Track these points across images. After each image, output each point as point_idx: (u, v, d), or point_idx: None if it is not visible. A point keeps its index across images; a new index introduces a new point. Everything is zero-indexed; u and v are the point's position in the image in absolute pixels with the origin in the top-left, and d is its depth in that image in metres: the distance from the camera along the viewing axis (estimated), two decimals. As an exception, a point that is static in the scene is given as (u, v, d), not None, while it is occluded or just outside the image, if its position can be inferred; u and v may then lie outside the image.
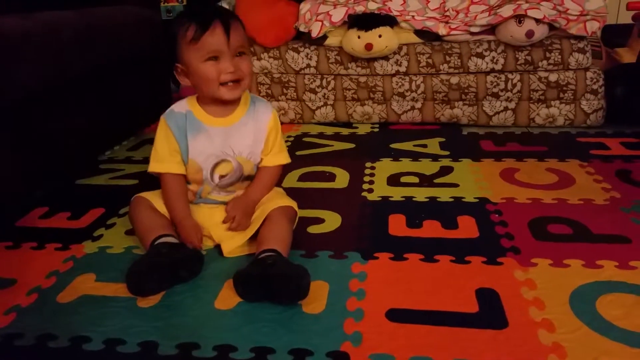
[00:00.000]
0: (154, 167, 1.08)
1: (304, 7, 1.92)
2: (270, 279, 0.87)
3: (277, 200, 1.09)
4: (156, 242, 0.98)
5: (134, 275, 0.92)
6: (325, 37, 1.84)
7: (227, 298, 0.91)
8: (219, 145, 1.06)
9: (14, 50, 1.18)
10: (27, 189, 1.33)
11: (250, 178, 1.12)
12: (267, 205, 1.07)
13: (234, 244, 1.05)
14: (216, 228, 1.07)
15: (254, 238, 1.05)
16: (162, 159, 1.07)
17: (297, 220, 1.11)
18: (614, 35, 2.07)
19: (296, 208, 1.10)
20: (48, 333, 0.84)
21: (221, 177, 1.08)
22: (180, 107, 1.08)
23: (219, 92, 1.01)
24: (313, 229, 1.14)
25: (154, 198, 1.09)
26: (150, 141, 1.78)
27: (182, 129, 1.05)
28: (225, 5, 2.03)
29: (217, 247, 1.08)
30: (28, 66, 1.21)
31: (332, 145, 1.72)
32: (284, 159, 1.13)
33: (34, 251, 1.10)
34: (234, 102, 1.07)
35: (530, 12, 1.66)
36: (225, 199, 1.11)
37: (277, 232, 1.00)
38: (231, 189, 1.11)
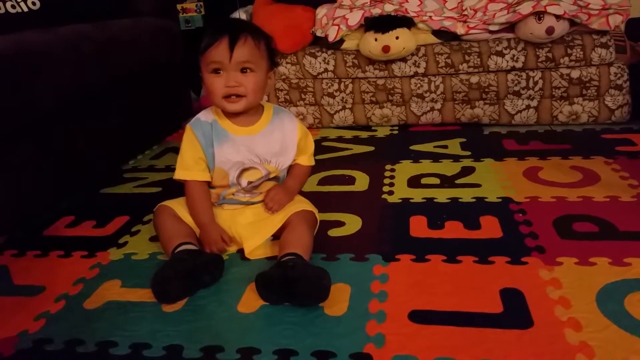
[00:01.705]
0: (179, 174, 1.09)
1: (320, 12, 1.93)
2: (291, 281, 0.88)
3: (300, 204, 1.10)
4: (177, 250, 1.00)
5: (158, 283, 0.93)
6: (342, 40, 1.84)
7: (249, 301, 0.92)
8: (245, 153, 1.07)
9: (36, 65, 1.21)
10: (53, 200, 1.36)
11: (275, 178, 1.14)
12: (290, 208, 1.08)
13: (255, 242, 1.06)
14: (238, 227, 1.09)
15: (275, 239, 1.08)
16: (188, 166, 1.08)
17: (317, 228, 1.11)
18: (638, 28, 2.02)
19: (317, 215, 1.11)
20: (76, 338, 0.86)
21: (249, 182, 1.09)
22: (206, 116, 1.10)
23: (222, 104, 1.04)
24: (334, 232, 1.15)
25: (177, 206, 1.10)
26: (173, 149, 1.82)
27: (209, 138, 1.07)
28: (242, 14, 2.05)
29: (239, 252, 1.09)
30: (51, 80, 1.24)
31: (352, 149, 1.72)
32: (313, 161, 1.20)
33: (61, 259, 1.13)
34: (253, 112, 1.09)
35: (549, 9, 1.63)
36: (248, 200, 1.13)
37: (299, 237, 1.01)
38: (256, 191, 1.12)
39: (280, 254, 0.98)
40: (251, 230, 1.08)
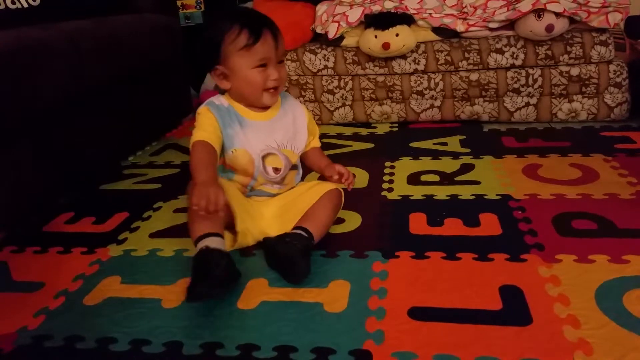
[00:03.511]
0: (196, 136, 1.01)
1: (320, 9, 1.92)
2: (278, 255, 0.98)
3: (328, 184, 1.11)
4: (201, 244, 0.93)
5: (195, 299, 0.89)
6: (342, 37, 1.84)
7: (249, 298, 0.92)
8: (264, 138, 1.07)
9: (36, 61, 1.20)
10: (53, 196, 1.36)
11: (295, 167, 1.15)
12: (320, 187, 1.10)
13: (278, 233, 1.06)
14: (263, 221, 1.08)
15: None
16: (205, 131, 1.02)
17: (340, 207, 1.13)
18: (637, 26, 2.02)
19: (342, 196, 1.13)
20: (76, 334, 0.86)
21: (275, 169, 1.09)
22: (220, 101, 1.08)
23: (262, 98, 1.05)
24: (334, 229, 1.14)
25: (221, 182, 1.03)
26: (172, 146, 1.83)
27: (226, 120, 1.05)
28: (242, 9, 2.05)
29: (238, 249, 1.09)
30: (50, 76, 1.24)
31: (351, 146, 1.72)
32: (319, 143, 1.21)
33: (60, 255, 1.13)
34: None
35: (549, 6, 1.63)
36: (276, 192, 1.13)
37: (317, 212, 1.05)
38: (282, 182, 1.13)
39: (297, 224, 1.04)
40: (276, 226, 1.07)
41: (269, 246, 1.02)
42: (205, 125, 1.04)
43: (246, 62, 1.02)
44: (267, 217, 1.09)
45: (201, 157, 0.99)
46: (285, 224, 1.07)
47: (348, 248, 1.06)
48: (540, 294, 0.87)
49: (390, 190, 1.34)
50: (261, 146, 1.07)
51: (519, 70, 1.76)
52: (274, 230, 1.07)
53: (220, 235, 0.96)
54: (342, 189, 1.14)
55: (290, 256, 0.95)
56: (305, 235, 1.01)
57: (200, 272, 0.88)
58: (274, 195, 1.13)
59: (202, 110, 1.06)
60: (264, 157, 1.08)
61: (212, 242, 0.93)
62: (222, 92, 1.11)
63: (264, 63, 1.02)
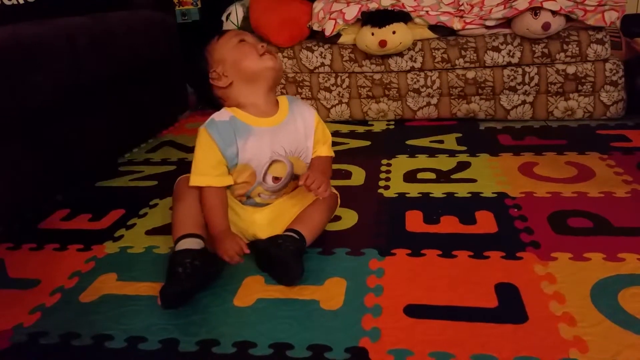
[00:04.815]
0: (195, 180, 1.00)
1: (317, 6, 1.92)
2: (270, 258, 0.96)
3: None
4: (179, 245, 0.95)
5: (166, 302, 0.91)
6: (338, 35, 1.84)
7: (245, 296, 0.92)
8: (269, 145, 1.02)
9: (32, 58, 1.20)
10: (49, 192, 1.35)
11: (298, 177, 1.10)
12: (307, 197, 1.08)
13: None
14: (255, 228, 1.06)
15: None
16: (204, 172, 1.00)
17: (335, 211, 1.13)
18: (633, 24, 2.02)
19: (338, 199, 1.13)
20: (72, 331, 0.86)
21: (275, 179, 1.05)
22: (221, 115, 1.02)
23: (263, 62, 1.02)
24: (330, 227, 1.14)
25: None
26: (168, 143, 1.82)
27: (227, 136, 0.99)
28: (239, 7, 2.04)
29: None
30: (46, 73, 1.23)
31: (348, 143, 1.72)
32: (332, 152, 1.15)
33: (56, 252, 1.13)
34: (271, 103, 1.06)
35: (546, 4, 1.63)
36: (271, 202, 1.09)
37: (310, 215, 1.05)
38: (280, 192, 1.10)
39: (289, 226, 1.03)
40: (268, 228, 1.06)
41: (260, 248, 1.00)
42: (203, 163, 1.00)
43: (227, 45, 1.04)
44: (258, 219, 1.07)
45: (213, 205, 1.00)
46: (277, 226, 1.05)
47: (344, 246, 1.06)
48: (536, 292, 0.87)
49: (386, 188, 1.34)
50: (268, 154, 1.02)
51: (515, 68, 1.76)
52: (265, 232, 1.05)
53: (196, 235, 0.97)
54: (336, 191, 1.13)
55: (284, 258, 0.94)
56: (297, 237, 1.00)
57: (167, 275, 0.92)
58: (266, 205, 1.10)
59: (201, 131, 1.01)
60: (269, 166, 1.03)
61: (183, 244, 0.96)
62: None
63: (243, 39, 1.05)
